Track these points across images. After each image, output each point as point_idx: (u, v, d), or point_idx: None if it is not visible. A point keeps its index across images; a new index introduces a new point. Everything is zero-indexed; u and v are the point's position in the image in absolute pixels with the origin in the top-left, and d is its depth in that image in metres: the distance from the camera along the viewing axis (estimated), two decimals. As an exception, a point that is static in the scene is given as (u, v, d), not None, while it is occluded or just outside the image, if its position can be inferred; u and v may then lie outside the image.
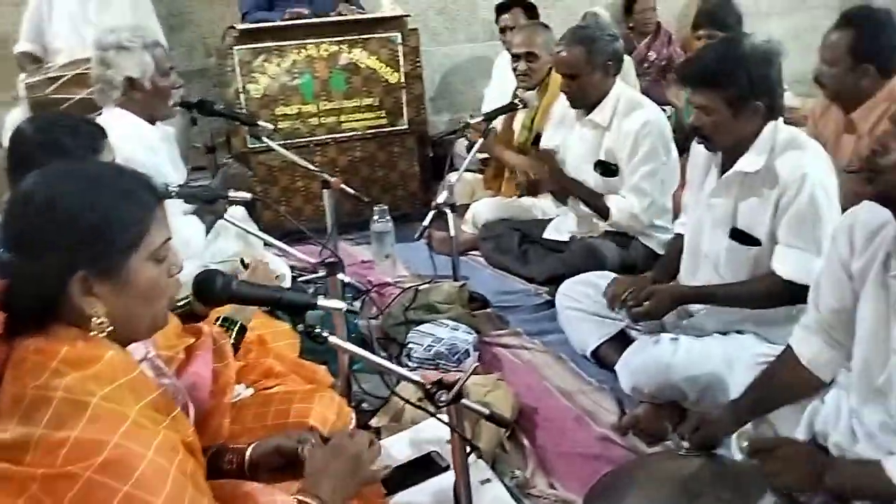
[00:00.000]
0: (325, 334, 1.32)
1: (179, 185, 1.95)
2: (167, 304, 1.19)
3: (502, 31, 4.08)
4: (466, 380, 1.38)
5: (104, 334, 1.10)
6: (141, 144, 2.36)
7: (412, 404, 1.43)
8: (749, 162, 1.91)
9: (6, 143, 3.51)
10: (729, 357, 1.90)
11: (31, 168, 1.66)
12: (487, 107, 4.06)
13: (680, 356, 1.95)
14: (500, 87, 4.06)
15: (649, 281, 2.19)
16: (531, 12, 4.07)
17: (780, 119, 1.94)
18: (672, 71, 4.55)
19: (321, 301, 1.33)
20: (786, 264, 1.90)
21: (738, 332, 2.04)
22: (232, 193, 2.00)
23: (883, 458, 1.42)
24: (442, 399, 1.36)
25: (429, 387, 1.38)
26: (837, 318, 1.57)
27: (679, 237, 2.28)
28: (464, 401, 1.41)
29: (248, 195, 2.05)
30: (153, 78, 2.42)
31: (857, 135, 2.38)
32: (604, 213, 2.72)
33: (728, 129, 1.90)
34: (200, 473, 1.15)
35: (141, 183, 1.16)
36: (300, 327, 1.31)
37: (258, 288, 1.33)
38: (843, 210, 1.90)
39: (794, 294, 1.89)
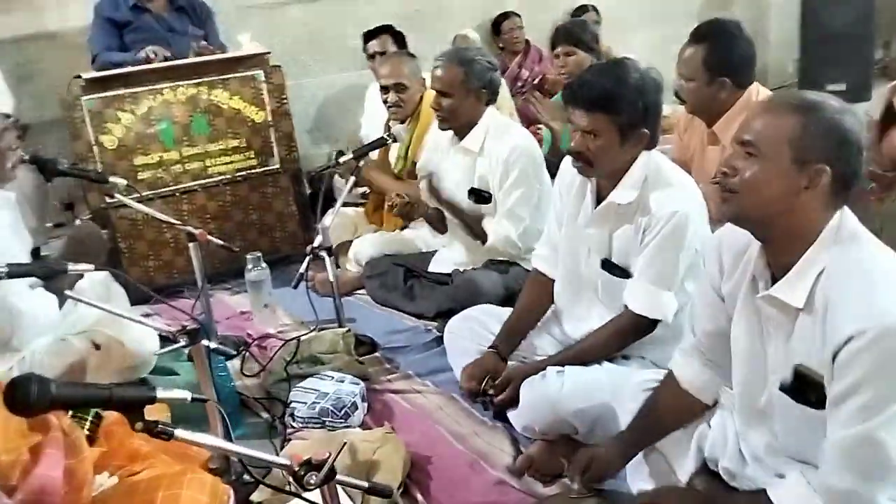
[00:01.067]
0: (169, 430, 1.18)
1: (9, 264, 1.74)
2: None
3: (371, 57, 4.04)
4: (336, 457, 1.27)
5: None
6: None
7: (282, 491, 1.30)
8: (623, 194, 1.92)
9: None
10: (616, 386, 1.86)
11: None
12: (366, 133, 4.01)
13: (567, 389, 1.90)
14: (374, 115, 3.99)
15: (496, 357, 2.15)
16: (399, 39, 4.02)
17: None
18: (543, 90, 4.60)
19: (160, 393, 1.19)
20: (637, 298, 1.94)
21: (624, 357, 2.03)
22: (72, 266, 1.81)
23: (768, 483, 1.41)
24: (311, 482, 1.25)
25: (297, 469, 1.26)
26: (713, 340, 1.57)
27: (537, 276, 2.25)
28: (338, 477, 1.30)
29: (89, 267, 1.86)
30: None
31: (721, 146, 2.42)
32: (482, 237, 2.67)
33: (613, 156, 1.89)
34: None
35: None
36: (138, 426, 1.16)
37: (80, 389, 1.17)
38: (714, 224, 1.94)
39: (645, 328, 1.96)
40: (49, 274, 1.80)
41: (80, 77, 3.22)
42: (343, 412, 2.17)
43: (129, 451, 1.83)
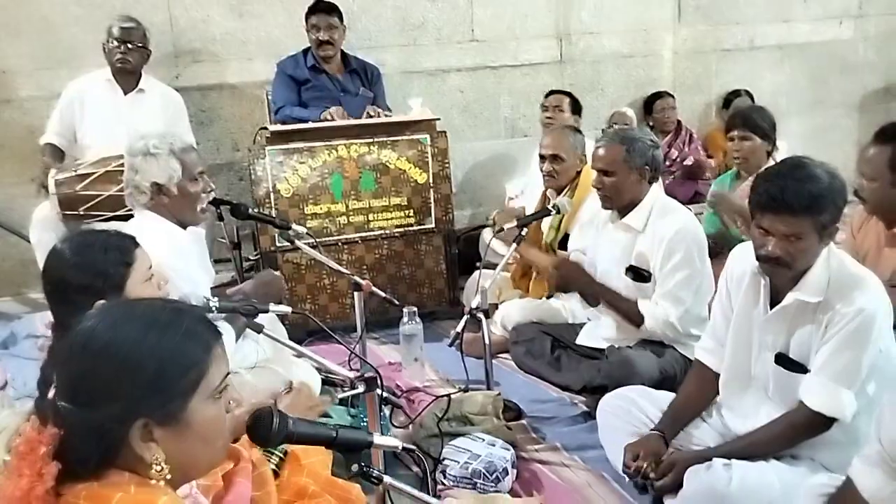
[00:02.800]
0: (379, 475, 1.25)
1: (219, 298, 1.91)
2: (226, 441, 1.15)
3: (544, 108, 4.30)
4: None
5: (164, 481, 1.05)
6: (170, 249, 2.33)
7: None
8: (808, 292, 1.89)
9: (35, 236, 3.55)
10: (788, 487, 1.82)
11: (66, 289, 1.66)
12: (512, 190, 4.14)
13: (735, 485, 1.87)
14: (534, 172, 4.13)
15: (661, 441, 2.13)
16: (575, 103, 4.24)
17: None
18: (691, 171, 4.61)
19: (377, 440, 1.27)
20: (815, 395, 1.89)
21: (793, 456, 1.98)
22: (273, 307, 1.96)
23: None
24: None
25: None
26: (902, 450, 1.51)
27: (700, 368, 2.23)
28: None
29: (288, 309, 2.01)
30: (180, 183, 2.42)
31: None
32: (635, 319, 2.66)
33: (810, 256, 1.88)
34: None
35: (198, 321, 1.13)
36: (354, 468, 1.24)
37: (314, 426, 1.27)
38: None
39: (821, 426, 1.90)
40: (253, 312, 1.94)
41: (265, 129, 3.50)
42: (494, 476, 2.20)
43: (298, 487, 1.91)
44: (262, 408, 1.20)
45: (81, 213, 3.38)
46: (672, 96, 4.99)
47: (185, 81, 4.29)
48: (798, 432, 1.94)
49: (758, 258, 1.92)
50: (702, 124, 5.22)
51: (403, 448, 1.34)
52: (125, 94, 3.84)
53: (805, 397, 1.91)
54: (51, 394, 1.54)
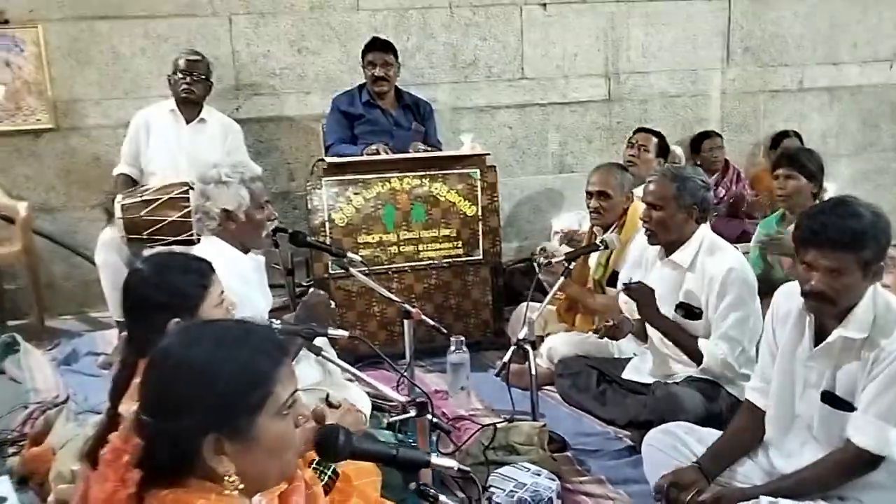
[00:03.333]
0: (436, 494, 1.31)
1: (280, 322, 2.00)
2: (295, 455, 1.21)
3: (630, 145, 4.30)
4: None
5: (237, 492, 1.12)
6: (234, 274, 2.44)
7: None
8: (853, 329, 1.91)
9: (100, 257, 3.71)
10: (835, 529, 1.82)
11: (145, 307, 1.76)
12: (558, 223, 4.20)
13: (781, 523, 1.88)
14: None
15: (699, 473, 2.12)
16: (663, 143, 4.27)
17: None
18: (738, 210, 4.61)
19: (434, 460, 1.34)
20: (862, 432, 1.90)
21: (840, 498, 1.98)
22: (331, 331, 2.05)
23: None
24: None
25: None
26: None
27: (749, 408, 2.23)
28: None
29: (345, 333, 2.10)
30: (248, 211, 2.55)
31: None
32: (696, 357, 2.67)
33: (854, 293, 1.90)
34: None
35: (267, 340, 1.19)
36: (412, 486, 1.31)
37: (375, 444, 1.34)
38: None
39: (868, 465, 1.90)
40: (312, 336, 2.03)
41: (322, 160, 3.63)
42: (540, 505, 2.24)
43: (348, 508, 1.99)
44: (329, 424, 1.28)
45: (144, 237, 3.52)
46: (720, 136, 5.02)
47: (244, 113, 4.47)
48: (845, 471, 1.94)
49: (802, 294, 1.95)
50: (749, 164, 5.23)
51: (459, 469, 1.40)
52: (187, 123, 4.01)
53: (852, 435, 1.91)
54: (122, 405, 1.64)
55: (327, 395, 2.35)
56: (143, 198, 3.60)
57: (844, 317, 1.94)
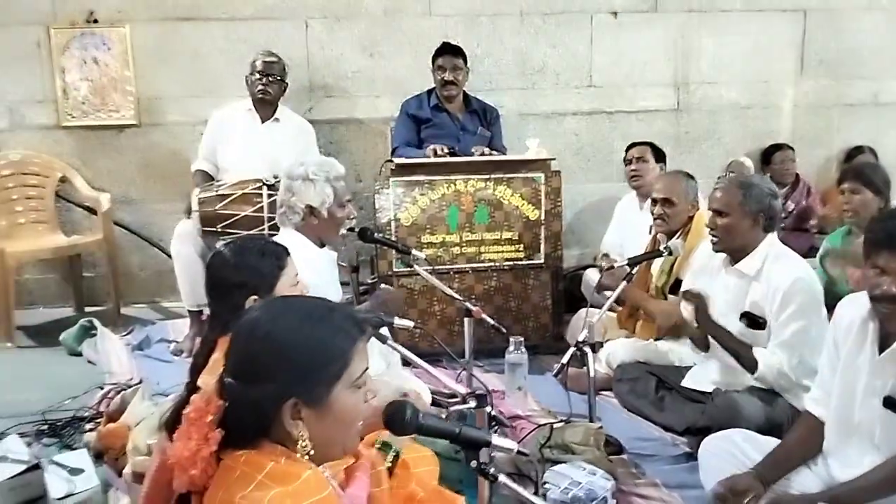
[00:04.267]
0: (496, 473, 1.36)
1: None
2: (360, 428, 1.28)
3: (627, 162, 4.19)
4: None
5: (307, 456, 1.20)
6: (309, 266, 2.54)
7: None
8: None
9: (175, 248, 3.87)
10: (895, 538, 1.79)
11: (226, 285, 1.86)
12: (610, 241, 4.18)
13: (839, 533, 1.86)
14: (619, 226, 4.19)
15: (756, 480, 2.11)
16: (659, 152, 4.19)
17: None
18: (807, 224, 4.53)
19: (495, 440, 1.38)
20: None
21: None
22: (397, 321, 2.12)
23: None
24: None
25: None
26: None
27: (808, 418, 2.21)
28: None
29: (410, 323, 2.16)
30: (331, 208, 2.66)
31: None
32: (750, 365, 2.66)
33: None
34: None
35: (347, 318, 1.28)
36: (473, 464, 1.36)
37: (440, 421, 1.40)
38: None
39: None
40: (379, 325, 2.11)
41: (391, 161, 3.72)
42: (594, 503, 2.25)
43: (408, 493, 2.03)
44: (398, 400, 1.34)
45: (219, 230, 3.67)
46: (791, 149, 4.94)
47: (316, 114, 4.60)
48: None
49: (872, 298, 1.92)
50: (820, 179, 5.12)
51: (518, 451, 1.43)
52: (262, 122, 4.16)
53: None
54: (200, 378, 1.73)
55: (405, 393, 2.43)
56: (219, 192, 3.75)
57: None
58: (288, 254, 1.96)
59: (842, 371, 2.10)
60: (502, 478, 1.37)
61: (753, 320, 2.69)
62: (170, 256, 4.04)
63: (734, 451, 2.30)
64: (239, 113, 4.18)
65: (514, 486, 1.39)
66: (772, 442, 2.30)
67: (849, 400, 2.07)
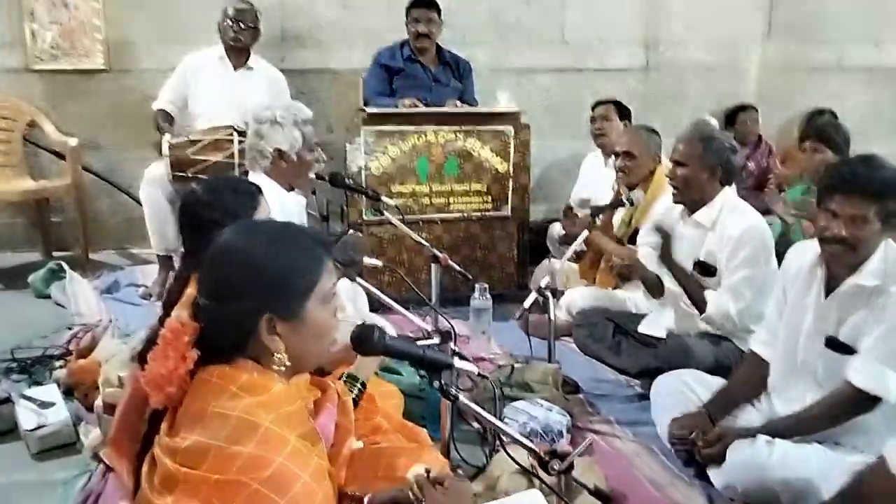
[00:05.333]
0: (455, 393, 1.45)
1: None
2: (331, 342, 1.36)
3: (593, 120, 4.30)
4: (578, 453, 1.48)
5: (283, 368, 1.27)
6: (277, 209, 2.59)
7: (525, 469, 1.53)
8: (868, 276, 1.99)
9: (144, 192, 3.88)
10: (824, 464, 1.94)
11: (201, 222, 1.91)
12: (573, 201, 4.28)
13: (775, 458, 2.00)
14: (585, 182, 4.30)
15: (706, 417, 2.26)
16: (623, 111, 4.27)
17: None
18: (765, 184, 4.65)
19: (457, 362, 1.47)
20: (861, 373, 1.98)
21: (836, 442, 2.08)
22: (367, 259, 2.19)
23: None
24: (555, 467, 1.46)
25: (543, 455, 1.48)
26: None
27: (753, 358, 2.34)
28: (573, 473, 1.51)
29: (378, 262, 2.24)
30: (300, 152, 2.70)
31: None
32: (701, 305, 2.77)
33: (872, 242, 1.98)
34: (335, 501, 1.29)
35: (314, 237, 1.35)
36: (435, 384, 1.45)
37: (406, 344, 1.48)
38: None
39: (865, 405, 1.99)
40: (348, 261, 2.18)
41: (363, 110, 3.75)
42: (550, 437, 2.37)
43: (374, 425, 2.12)
44: (366, 323, 1.42)
45: (189, 175, 3.68)
46: (756, 110, 5.04)
47: (289, 64, 4.60)
48: (842, 410, 2.03)
49: (822, 240, 2.03)
50: (782, 140, 5.24)
51: (479, 374, 1.53)
52: (235, 69, 4.16)
53: (851, 376, 1.99)
54: (174, 312, 1.80)
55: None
56: (190, 138, 3.76)
57: (857, 267, 2.02)
58: (261, 192, 2.01)
59: (788, 314, 2.23)
60: (462, 398, 1.46)
61: (706, 268, 2.81)
62: (139, 203, 4.06)
63: (684, 390, 2.44)
64: (211, 60, 4.17)
65: (473, 405, 1.49)
66: (720, 381, 2.45)
67: (794, 341, 2.19)
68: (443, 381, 1.44)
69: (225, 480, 1.13)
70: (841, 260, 2.03)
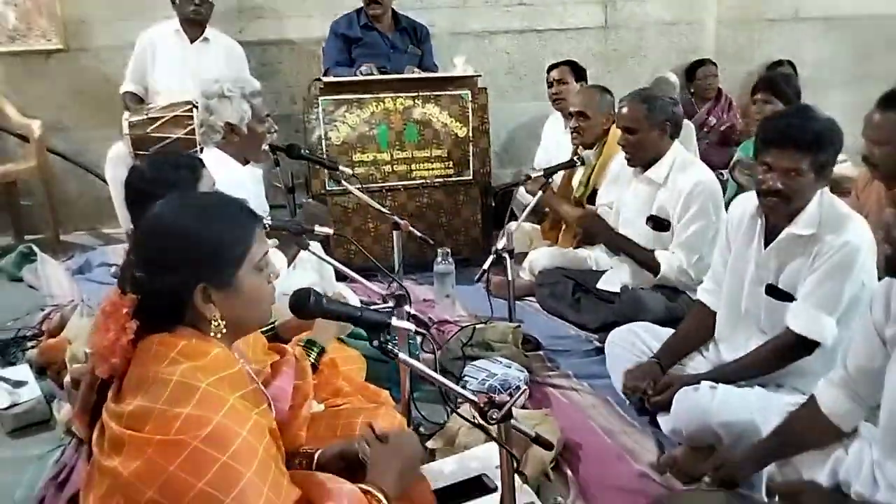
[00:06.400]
0: (396, 351, 1.52)
1: (272, 217, 2.20)
2: (268, 307, 1.42)
3: (550, 85, 4.34)
4: (514, 402, 1.56)
5: (220, 335, 1.33)
6: (231, 183, 2.61)
7: (471, 422, 1.60)
8: (803, 226, 2.07)
9: (109, 172, 3.90)
10: (763, 406, 2.03)
11: (145, 198, 1.96)
12: (539, 160, 4.34)
13: (717, 402, 2.08)
14: (546, 146, 4.34)
15: (657, 367, 2.35)
16: (578, 71, 4.31)
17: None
18: (728, 138, 4.73)
19: (394, 321, 1.54)
20: (800, 319, 2.07)
21: (777, 384, 2.19)
22: (317, 228, 2.24)
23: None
24: (493, 416, 1.54)
25: (482, 405, 1.56)
26: (864, 376, 1.71)
27: (700, 307, 2.43)
28: (512, 420, 1.58)
29: (329, 230, 2.29)
30: (250, 124, 2.72)
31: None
32: (652, 268, 2.87)
33: (808, 193, 2.05)
34: (280, 458, 1.35)
35: (242, 208, 1.40)
36: (375, 343, 1.51)
37: (342, 306, 1.55)
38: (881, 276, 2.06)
39: (803, 349, 2.08)
40: (300, 231, 2.23)
41: (319, 80, 3.77)
42: (508, 392, 2.46)
43: (334, 387, 2.20)
44: (302, 288, 1.49)
45: (151, 153, 3.70)
46: (714, 64, 5.10)
47: (247, 36, 4.59)
48: (782, 354, 2.12)
49: (759, 193, 2.10)
50: (742, 93, 5.30)
51: (416, 331, 1.60)
52: (191, 42, 4.15)
53: (790, 322, 2.09)
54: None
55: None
56: (149, 115, 3.77)
57: (793, 217, 2.09)
58: (203, 165, 2.06)
59: (732, 263, 2.31)
60: (401, 356, 1.53)
61: (658, 223, 2.89)
62: (106, 182, 4.07)
63: (636, 342, 2.53)
64: (167, 34, 4.16)
65: (416, 363, 1.56)
66: (670, 332, 2.53)
67: (738, 290, 2.28)
68: (382, 339, 1.51)
69: (166, 440, 1.19)
70: (777, 211, 2.10)
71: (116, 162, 3.87)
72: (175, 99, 3.84)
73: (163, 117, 3.73)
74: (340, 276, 3.26)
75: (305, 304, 1.48)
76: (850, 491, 1.71)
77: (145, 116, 3.76)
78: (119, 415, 1.24)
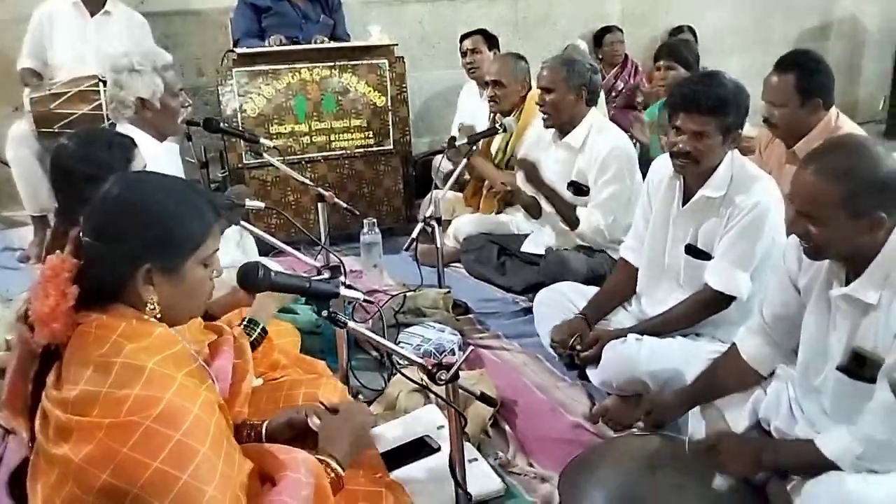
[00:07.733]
0: (344, 320, 1.54)
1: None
2: (202, 303, 1.41)
3: (463, 54, 4.39)
4: (462, 363, 1.61)
5: (154, 319, 1.31)
6: (151, 161, 2.55)
7: (417, 384, 1.65)
8: (714, 189, 2.19)
9: (10, 153, 3.70)
10: (686, 354, 2.16)
11: (73, 179, 1.88)
12: (455, 132, 4.38)
13: (644, 353, 2.21)
14: (463, 115, 4.37)
15: (583, 322, 2.45)
16: (491, 40, 4.36)
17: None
18: (635, 102, 4.89)
19: (343, 291, 1.56)
20: (717, 275, 2.21)
21: (697, 334, 2.32)
22: (248, 202, 2.21)
23: (815, 437, 1.67)
24: (441, 377, 1.59)
25: (430, 367, 1.61)
26: (780, 323, 1.85)
27: (623, 264, 2.54)
28: (459, 381, 1.64)
29: (261, 204, 2.27)
30: (163, 98, 2.63)
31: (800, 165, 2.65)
32: (573, 222, 2.97)
33: (716, 155, 2.16)
34: (231, 432, 1.36)
35: (205, 200, 1.37)
36: (324, 313, 1.53)
37: (291, 278, 1.55)
38: (789, 232, 2.20)
39: (721, 303, 2.22)
40: (229, 206, 2.20)
41: (233, 51, 3.68)
42: (443, 355, 2.51)
43: (272, 361, 2.19)
44: (250, 262, 1.48)
45: (56, 130, 3.53)
46: (620, 30, 5.24)
47: (150, 7, 4.39)
48: (702, 309, 2.26)
49: (671, 154, 2.21)
50: (647, 57, 5.46)
51: (365, 299, 1.62)
52: (91, 16, 3.96)
53: (708, 279, 2.22)
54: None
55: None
56: (52, 91, 3.58)
57: (707, 179, 2.22)
58: (135, 145, 1.99)
59: (653, 222, 2.42)
60: (351, 324, 1.55)
61: (578, 188, 2.99)
62: (6, 164, 3.86)
63: (562, 300, 2.63)
64: (65, 7, 3.94)
65: (365, 330, 1.58)
66: (594, 290, 2.64)
67: (660, 248, 2.39)
68: (331, 310, 1.53)
69: (117, 423, 1.17)
70: (688, 172, 2.22)
71: (19, 141, 3.67)
72: (76, 75, 3.67)
73: (67, 92, 3.55)
74: (263, 251, 3.24)
75: (255, 277, 1.47)
76: (771, 426, 1.84)
77: (48, 92, 3.57)
78: (63, 401, 1.21)
